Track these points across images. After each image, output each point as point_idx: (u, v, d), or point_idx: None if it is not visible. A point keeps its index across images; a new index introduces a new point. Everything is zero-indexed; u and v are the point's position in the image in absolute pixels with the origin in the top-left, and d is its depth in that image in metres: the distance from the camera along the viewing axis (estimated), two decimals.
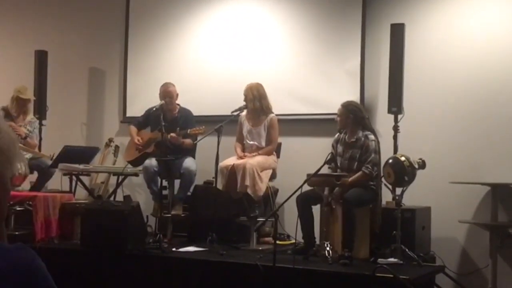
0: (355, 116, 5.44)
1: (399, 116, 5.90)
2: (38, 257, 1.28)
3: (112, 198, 6.73)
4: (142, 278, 5.35)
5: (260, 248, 5.70)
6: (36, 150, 6.90)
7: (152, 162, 6.22)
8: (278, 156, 6.21)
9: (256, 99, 6.02)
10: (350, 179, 5.29)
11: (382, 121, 6.14)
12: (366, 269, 4.73)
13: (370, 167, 5.31)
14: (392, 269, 4.54)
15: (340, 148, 5.52)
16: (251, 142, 6.11)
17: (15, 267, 1.23)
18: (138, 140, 6.48)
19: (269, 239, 5.96)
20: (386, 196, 5.54)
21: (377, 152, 5.36)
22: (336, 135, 5.62)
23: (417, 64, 6.20)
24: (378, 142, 5.41)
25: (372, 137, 5.39)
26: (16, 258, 1.25)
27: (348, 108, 5.49)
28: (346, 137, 5.50)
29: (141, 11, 7.65)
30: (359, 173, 5.33)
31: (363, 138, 5.40)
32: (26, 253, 1.27)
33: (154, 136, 6.36)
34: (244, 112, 6.14)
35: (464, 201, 5.93)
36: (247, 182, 5.68)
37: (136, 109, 7.26)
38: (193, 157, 6.42)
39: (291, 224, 5.63)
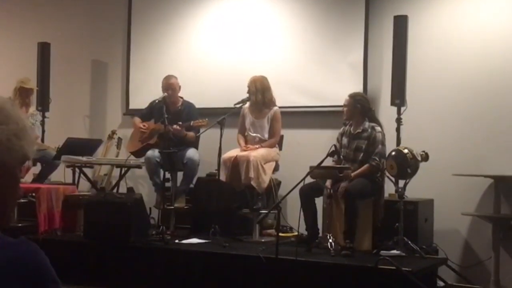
0: (362, 107, 5.45)
1: (402, 109, 5.89)
2: (41, 251, 1.28)
3: (115, 190, 6.74)
4: (145, 270, 5.37)
5: (263, 240, 5.72)
6: (39, 141, 6.91)
7: (154, 153, 6.23)
8: (280, 149, 6.21)
9: (258, 92, 6.01)
10: (356, 172, 5.29)
11: (385, 113, 6.13)
12: (368, 261, 4.74)
13: (377, 159, 5.31)
14: (395, 261, 4.56)
15: (345, 140, 5.52)
16: (254, 134, 6.11)
17: (18, 261, 1.24)
18: (144, 125, 6.47)
19: (272, 231, 5.97)
20: (389, 188, 5.55)
21: (384, 144, 5.36)
22: (341, 129, 5.61)
23: (420, 56, 6.19)
24: (384, 135, 5.41)
25: (378, 128, 5.39)
26: (19, 252, 1.25)
27: (355, 98, 5.49)
28: (352, 128, 5.50)
29: (143, 4, 7.63)
30: (366, 165, 5.32)
31: (369, 130, 5.39)
32: (29, 247, 1.27)
33: (157, 128, 6.36)
34: (247, 104, 6.13)
35: (466, 194, 5.93)
36: (251, 174, 5.69)
37: (138, 101, 7.26)
38: (196, 148, 6.42)
39: (293, 216, 5.63)
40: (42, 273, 1.26)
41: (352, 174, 5.26)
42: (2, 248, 1.24)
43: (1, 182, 1.35)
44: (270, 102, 6.08)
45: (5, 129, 1.34)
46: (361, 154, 5.39)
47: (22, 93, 6.71)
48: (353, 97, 5.51)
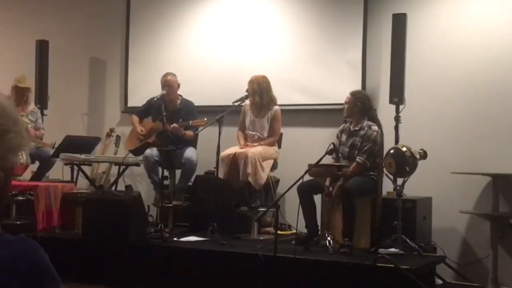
0: (362, 105, 5.45)
1: (401, 107, 5.89)
2: (40, 248, 1.28)
3: (113, 188, 6.73)
4: (143, 268, 5.37)
5: (261, 238, 5.72)
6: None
7: (153, 152, 6.22)
8: (279, 147, 6.21)
9: (256, 94, 6.00)
10: (349, 171, 5.30)
11: (384, 111, 6.11)
12: (367, 259, 4.74)
13: (364, 157, 5.31)
14: (393, 259, 4.56)
15: (343, 137, 5.53)
16: (253, 133, 6.10)
17: (19, 258, 1.24)
18: (141, 130, 6.47)
19: (270, 229, 5.97)
20: (387, 186, 5.55)
21: (377, 143, 5.35)
22: (341, 126, 5.62)
23: (418, 54, 6.19)
24: (382, 134, 5.40)
25: (375, 127, 5.39)
26: (19, 250, 1.25)
27: (356, 96, 5.50)
28: (351, 126, 5.51)
29: (142, 1, 7.62)
30: (354, 163, 5.34)
31: (366, 128, 5.40)
32: (29, 244, 1.28)
33: (156, 126, 6.36)
34: (248, 102, 6.12)
35: (465, 192, 5.94)
36: (249, 170, 5.69)
37: (137, 99, 7.26)
38: (194, 147, 6.42)
39: (292, 214, 5.64)
40: (42, 270, 1.26)
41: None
42: (2, 245, 1.24)
43: (8, 180, 1.37)
44: (270, 103, 6.05)
45: (13, 136, 1.35)
46: (356, 152, 5.40)
47: (18, 91, 6.71)
48: (355, 95, 5.52)
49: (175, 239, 5.65)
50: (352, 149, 5.43)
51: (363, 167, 5.32)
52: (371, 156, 5.32)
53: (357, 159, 5.33)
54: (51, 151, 6.59)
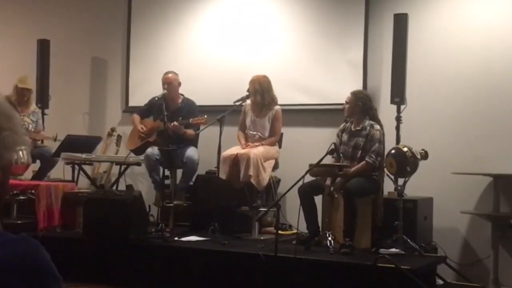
0: (363, 105, 5.44)
1: (402, 107, 5.89)
2: (42, 247, 1.28)
3: (114, 188, 6.73)
4: (144, 267, 5.37)
5: (262, 238, 5.71)
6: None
7: (154, 150, 6.22)
8: (280, 147, 6.21)
9: (257, 93, 6.00)
10: (353, 169, 5.30)
11: (385, 111, 6.11)
12: (367, 259, 4.74)
13: (373, 157, 5.30)
14: (394, 259, 4.56)
15: (345, 137, 5.52)
16: (254, 132, 6.10)
17: (20, 257, 1.24)
18: (142, 128, 6.47)
19: (271, 229, 5.97)
20: (388, 186, 5.55)
21: (381, 142, 5.36)
22: (342, 125, 5.61)
23: (420, 54, 6.18)
24: (383, 134, 5.40)
25: (377, 126, 5.39)
26: (20, 249, 1.25)
27: (357, 96, 5.49)
28: (352, 126, 5.50)
29: (143, 1, 7.62)
30: (362, 162, 5.33)
31: (368, 127, 5.40)
32: (30, 243, 1.28)
33: (157, 125, 6.36)
34: (249, 102, 6.12)
35: (466, 192, 5.93)
36: (251, 172, 5.68)
37: (138, 98, 7.26)
38: (196, 146, 6.42)
39: (293, 214, 5.63)
40: (43, 269, 1.26)
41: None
42: (3, 244, 1.25)
43: (6, 178, 1.37)
44: (271, 102, 6.05)
45: (7, 133, 1.34)
46: (359, 152, 5.40)
47: (18, 92, 6.74)
48: (355, 94, 5.51)
49: (176, 238, 5.65)
50: (355, 150, 5.42)
51: (373, 167, 5.31)
52: (379, 156, 5.32)
53: (366, 159, 5.31)
54: (53, 150, 6.60)
